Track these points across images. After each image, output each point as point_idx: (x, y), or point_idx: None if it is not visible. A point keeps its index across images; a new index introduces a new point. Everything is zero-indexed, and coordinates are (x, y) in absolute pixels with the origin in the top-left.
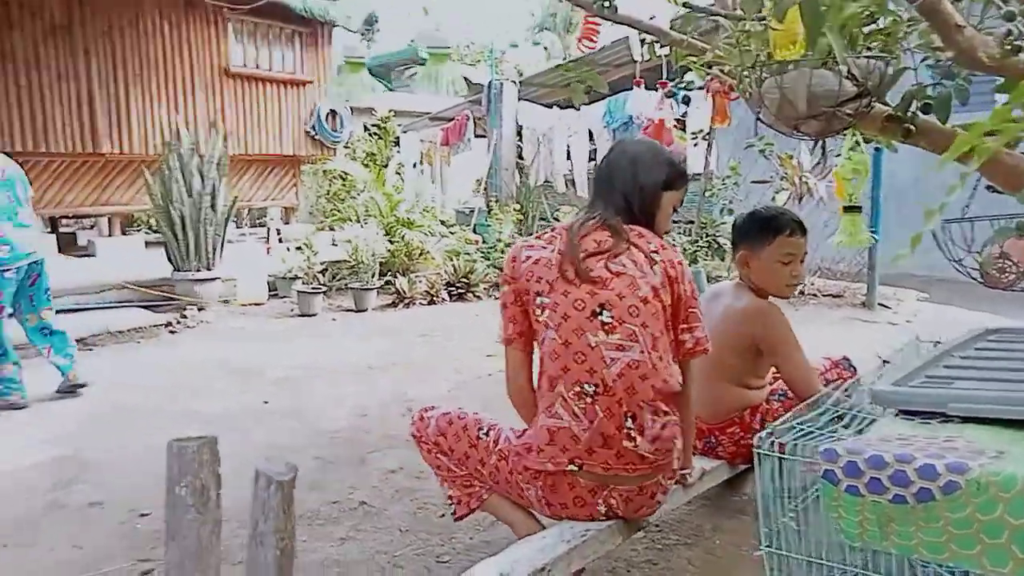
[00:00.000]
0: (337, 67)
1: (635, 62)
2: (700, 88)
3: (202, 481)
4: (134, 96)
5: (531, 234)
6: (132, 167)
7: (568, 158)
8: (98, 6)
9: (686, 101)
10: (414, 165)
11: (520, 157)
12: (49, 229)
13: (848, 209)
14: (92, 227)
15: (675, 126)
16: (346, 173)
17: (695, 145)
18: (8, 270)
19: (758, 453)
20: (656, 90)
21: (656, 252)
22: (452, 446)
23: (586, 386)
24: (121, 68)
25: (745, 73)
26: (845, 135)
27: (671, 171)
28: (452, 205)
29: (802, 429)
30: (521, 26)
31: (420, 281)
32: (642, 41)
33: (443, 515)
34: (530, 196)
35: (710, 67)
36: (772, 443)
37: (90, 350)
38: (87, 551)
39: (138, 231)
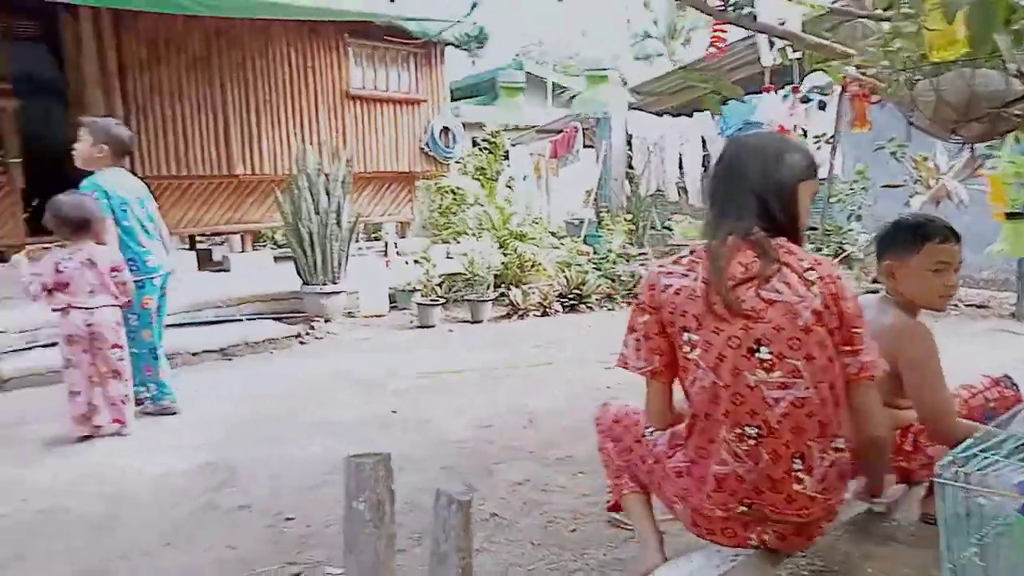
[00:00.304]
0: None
1: (764, 67)
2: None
3: (378, 496)
4: (264, 121)
5: (642, 244)
6: (262, 187)
7: (680, 167)
8: (233, 39)
9: (822, 106)
10: (524, 178)
11: (630, 167)
12: (187, 246)
13: (1011, 216)
14: (223, 243)
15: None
16: (458, 188)
17: (818, 149)
18: (155, 277)
19: (940, 483)
20: (777, 92)
21: (811, 269)
22: (621, 435)
23: (748, 428)
24: (252, 95)
25: (894, 75)
26: (1003, 138)
27: (803, 157)
28: (559, 216)
29: (985, 457)
30: (624, 35)
31: (533, 293)
32: (771, 44)
33: (574, 530)
34: (640, 206)
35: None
36: (956, 472)
37: (229, 360)
38: (240, 552)
39: (264, 246)
